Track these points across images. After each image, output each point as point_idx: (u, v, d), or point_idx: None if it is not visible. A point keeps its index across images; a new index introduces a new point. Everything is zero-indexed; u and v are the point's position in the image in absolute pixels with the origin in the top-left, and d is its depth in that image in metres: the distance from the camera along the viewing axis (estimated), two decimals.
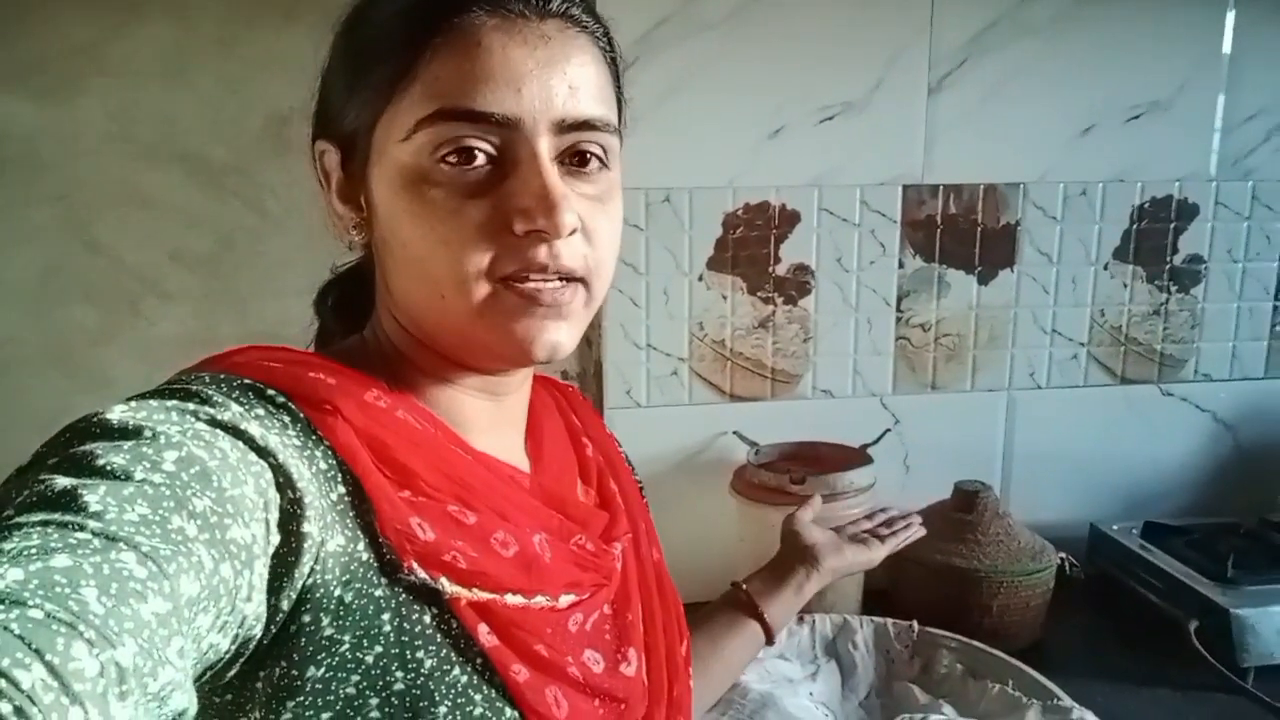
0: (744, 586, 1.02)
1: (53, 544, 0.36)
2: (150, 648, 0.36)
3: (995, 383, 1.63)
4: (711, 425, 1.54)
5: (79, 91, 1.38)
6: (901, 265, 1.57)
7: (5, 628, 0.32)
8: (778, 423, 1.54)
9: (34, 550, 0.36)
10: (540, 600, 0.59)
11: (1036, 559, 1.37)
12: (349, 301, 0.69)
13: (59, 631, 0.33)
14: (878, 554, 1.09)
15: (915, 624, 1.24)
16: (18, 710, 0.30)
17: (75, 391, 1.46)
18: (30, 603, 0.33)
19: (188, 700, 0.39)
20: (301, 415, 0.53)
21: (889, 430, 1.53)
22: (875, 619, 1.28)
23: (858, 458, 1.43)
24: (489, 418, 0.64)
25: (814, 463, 1.48)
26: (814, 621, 1.28)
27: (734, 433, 1.53)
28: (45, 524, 0.38)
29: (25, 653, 0.31)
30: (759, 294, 1.54)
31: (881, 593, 1.45)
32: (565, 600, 0.61)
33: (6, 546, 0.36)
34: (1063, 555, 1.41)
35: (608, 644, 0.65)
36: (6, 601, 0.33)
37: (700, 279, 1.52)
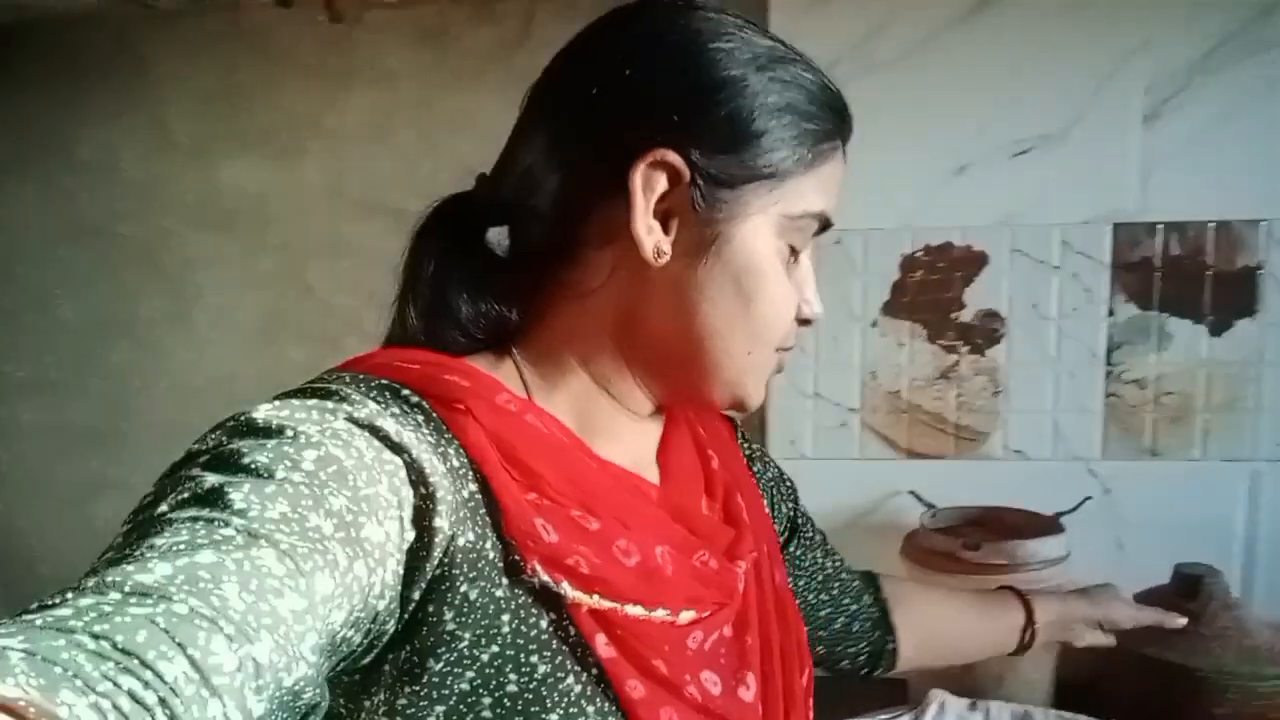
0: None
1: (199, 540, 0.39)
2: (286, 644, 0.38)
3: (1235, 451, 1.39)
4: (884, 483, 1.43)
5: (301, 154, 1.56)
6: (1111, 313, 1.39)
7: (152, 621, 0.34)
8: (961, 484, 1.41)
9: (182, 545, 0.38)
10: (660, 614, 0.58)
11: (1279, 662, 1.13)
12: (479, 284, 0.63)
13: (201, 626, 0.35)
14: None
15: None
16: (162, 701, 0.32)
17: None
18: (175, 597, 0.35)
19: (320, 695, 0.41)
20: (434, 414, 0.54)
21: (1089, 498, 1.34)
22: (1065, 714, 1.11)
23: (1047, 526, 1.27)
24: (629, 431, 0.64)
25: (998, 530, 1.32)
26: (989, 710, 1.13)
27: (909, 492, 1.41)
28: (194, 520, 0.40)
29: (170, 646, 0.33)
30: (940, 342, 1.43)
31: (1079, 687, 1.26)
32: (685, 617, 0.59)
33: (158, 542, 0.38)
34: None
35: (725, 667, 0.62)
36: (154, 596, 0.35)
37: (874, 325, 1.43)
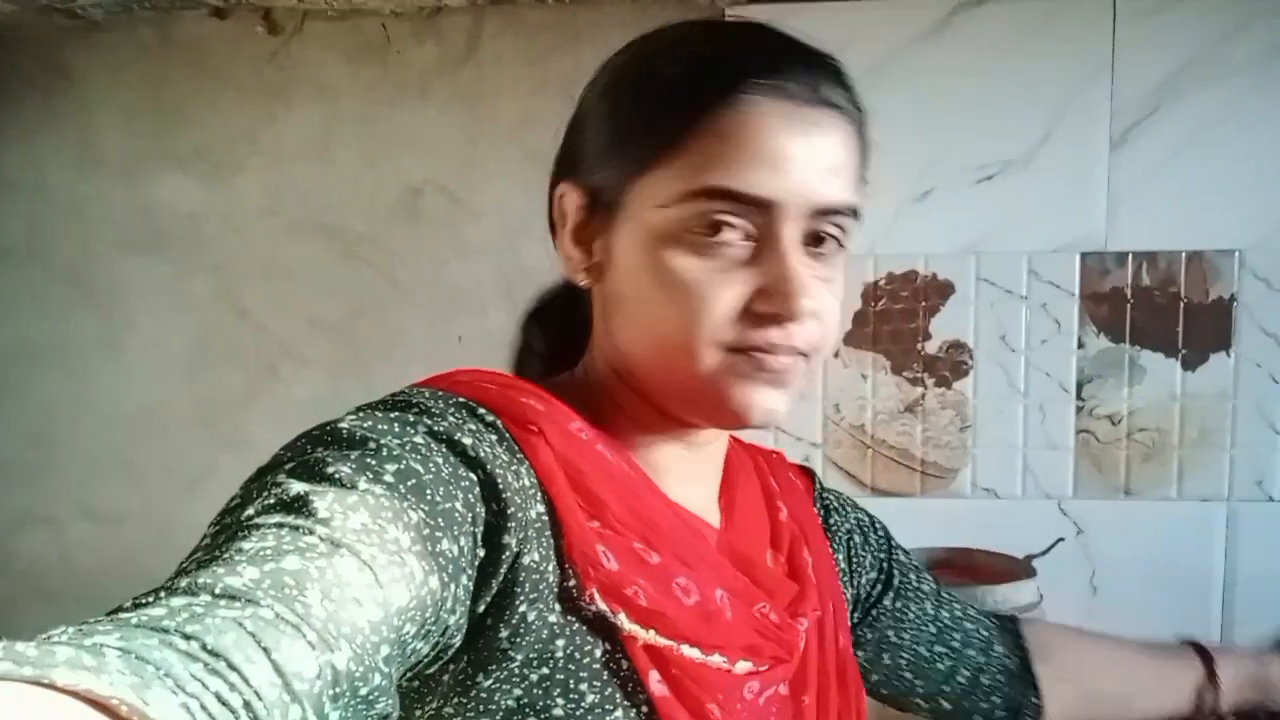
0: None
1: (285, 546, 0.40)
2: (363, 654, 0.38)
3: (1210, 491, 1.33)
4: None
5: (237, 171, 1.49)
6: (1081, 345, 1.34)
7: (240, 624, 0.35)
8: (928, 523, 1.34)
9: (268, 551, 0.39)
10: (716, 659, 0.57)
11: None
12: (558, 326, 0.69)
13: (285, 632, 0.36)
14: None
15: None
16: (246, 705, 0.33)
17: (219, 450, 1.52)
18: (262, 602, 0.36)
19: (392, 706, 0.41)
20: (508, 434, 0.54)
21: (1061, 540, 1.28)
22: None
23: (1019, 569, 1.20)
24: (685, 466, 0.64)
25: (968, 573, 1.25)
26: None
27: None
28: (280, 526, 0.41)
29: (255, 650, 0.34)
30: (905, 374, 1.36)
31: None
32: (742, 667, 0.58)
33: (246, 546, 0.40)
34: None
35: None
36: (242, 600, 0.36)
37: (836, 355, 1.37)
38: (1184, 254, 1.31)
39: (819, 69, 0.57)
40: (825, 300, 0.57)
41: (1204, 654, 0.83)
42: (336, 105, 1.47)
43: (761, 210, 0.54)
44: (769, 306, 0.54)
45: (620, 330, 0.60)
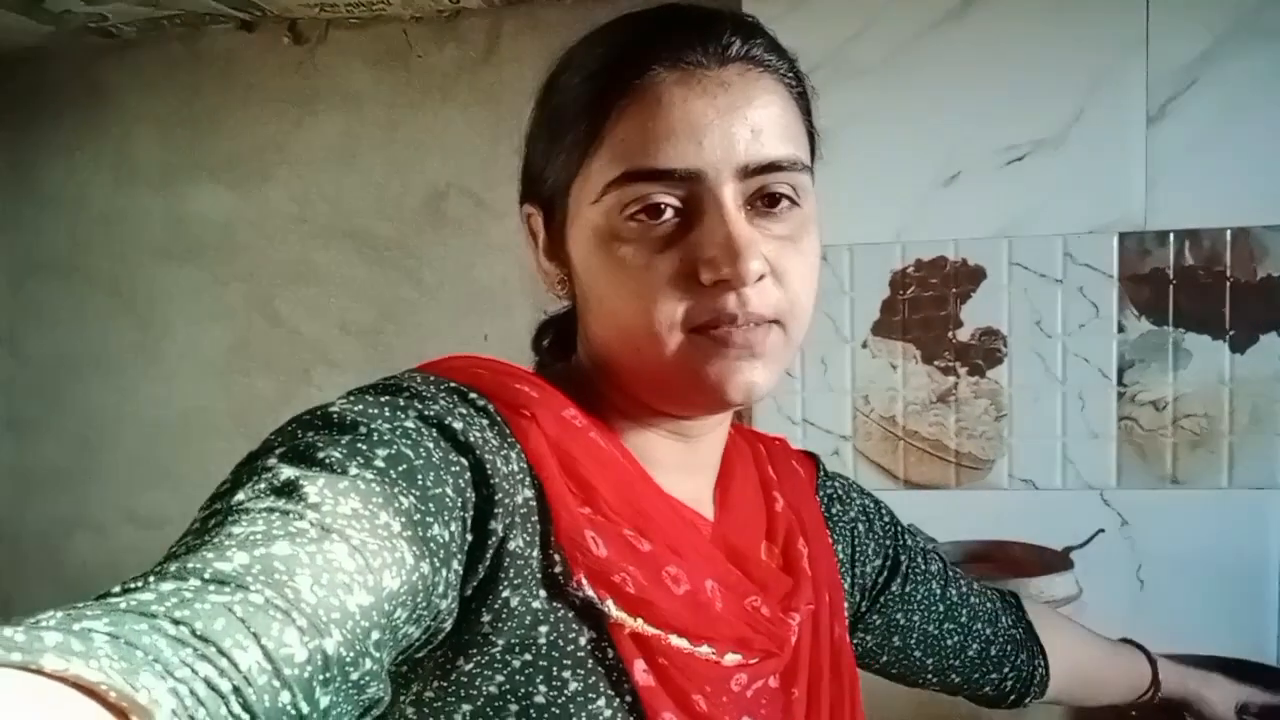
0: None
1: (275, 531, 0.39)
2: (353, 639, 0.38)
3: (1263, 478, 1.27)
4: None
5: (267, 180, 1.52)
6: (1122, 329, 1.29)
7: (230, 609, 0.35)
8: (964, 516, 1.30)
9: (259, 536, 0.39)
10: (705, 650, 0.57)
11: None
12: (562, 341, 0.71)
13: (275, 617, 0.35)
14: None
15: None
16: (235, 690, 0.33)
17: None
18: (252, 587, 0.36)
19: (383, 690, 0.41)
20: (499, 418, 0.54)
21: (1101, 531, 1.23)
22: None
23: (1056, 562, 1.16)
24: (679, 459, 0.63)
25: (1007, 566, 1.22)
26: None
27: (908, 526, 1.30)
28: (270, 511, 0.41)
29: (245, 635, 0.34)
30: (936, 363, 1.33)
31: None
32: (731, 659, 0.58)
33: (236, 531, 0.39)
34: None
35: (767, 718, 0.61)
36: (232, 585, 0.36)
37: (864, 346, 1.34)
38: (1229, 231, 1.26)
39: (729, 30, 0.56)
40: (787, 261, 0.56)
41: (1150, 657, 0.91)
42: (361, 111, 1.49)
43: (687, 182, 0.54)
44: (714, 273, 0.53)
45: (593, 330, 0.61)
